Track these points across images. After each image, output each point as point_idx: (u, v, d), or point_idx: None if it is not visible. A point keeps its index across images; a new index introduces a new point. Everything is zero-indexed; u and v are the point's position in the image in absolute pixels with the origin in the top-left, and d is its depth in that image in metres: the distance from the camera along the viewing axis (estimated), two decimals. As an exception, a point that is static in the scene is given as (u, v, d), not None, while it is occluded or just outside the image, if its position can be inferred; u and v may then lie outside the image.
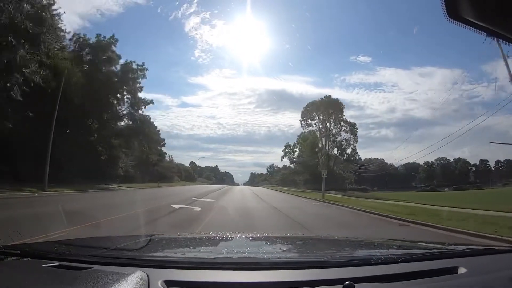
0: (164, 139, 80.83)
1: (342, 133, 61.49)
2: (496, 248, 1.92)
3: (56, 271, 1.29)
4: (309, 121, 63.92)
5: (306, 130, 64.26)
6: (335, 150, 62.23)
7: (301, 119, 64.87)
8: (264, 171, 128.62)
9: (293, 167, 70.34)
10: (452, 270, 1.39)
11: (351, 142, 62.13)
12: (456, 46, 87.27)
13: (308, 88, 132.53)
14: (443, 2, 0.91)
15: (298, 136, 69.52)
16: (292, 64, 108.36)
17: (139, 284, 1.14)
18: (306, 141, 63.05)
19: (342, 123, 62.01)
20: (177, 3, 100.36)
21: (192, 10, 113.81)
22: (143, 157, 53.85)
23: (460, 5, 0.91)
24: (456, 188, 62.40)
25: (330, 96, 62.06)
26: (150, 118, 47.89)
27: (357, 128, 62.94)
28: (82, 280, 1.19)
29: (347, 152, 62.62)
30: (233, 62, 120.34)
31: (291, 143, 71.95)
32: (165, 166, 68.19)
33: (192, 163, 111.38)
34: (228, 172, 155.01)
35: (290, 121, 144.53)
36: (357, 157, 64.89)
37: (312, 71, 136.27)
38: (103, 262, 1.37)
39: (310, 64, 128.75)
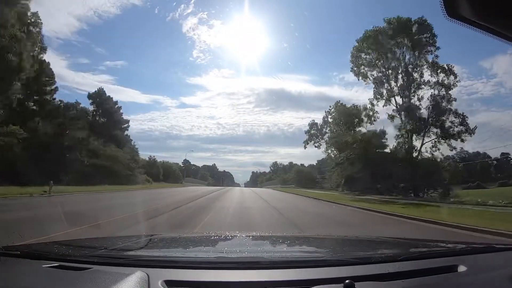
0: (128, 121, 55.13)
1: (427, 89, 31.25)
2: (496, 246, 1.92)
3: (56, 272, 1.29)
4: (365, 68, 34.12)
5: (366, 83, 35.29)
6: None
7: (352, 63, 35.34)
8: (267, 170, 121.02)
9: (329, 154, 41.87)
10: (452, 268, 1.39)
11: (448, 100, 30.86)
12: (454, 42, 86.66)
13: (307, 86, 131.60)
14: (441, 0, 0.91)
15: (326, 112, 42.82)
16: (291, 63, 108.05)
17: (139, 284, 1.14)
18: (344, 112, 36.71)
19: (426, 67, 32.03)
20: (174, 3, 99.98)
21: (189, 10, 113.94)
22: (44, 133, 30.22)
23: (459, 4, 0.90)
24: (501, 183, 48.04)
25: (400, 17, 32.05)
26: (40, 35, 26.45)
27: (456, 76, 31.70)
28: (82, 281, 1.20)
29: (445, 121, 30.20)
30: (231, 62, 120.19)
31: (318, 122, 46.53)
32: (110, 157, 39.58)
33: (186, 161, 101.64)
34: (228, 172, 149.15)
35: (290, 120, 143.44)
36: (467, 131, 30.14)
37: (310, 69, 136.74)
38: (103, 263, 1.37)
39: (308, 62, 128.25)
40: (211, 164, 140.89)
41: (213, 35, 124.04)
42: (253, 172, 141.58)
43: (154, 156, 65.74)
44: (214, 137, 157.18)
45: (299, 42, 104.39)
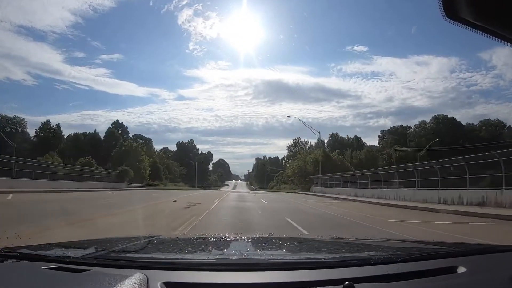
0: None
1: None
2: (496, 247, 1.92)
3: (55, 274, 1.29)
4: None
5: None
6: None
7: None
8: (278, 155, 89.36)
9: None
10: (452, 270, 1.39)
11: None
12: (453, 34, 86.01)
13: (304, 78, 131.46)
14: (440, 1, 0.91)
15: None
16: (287, 54, 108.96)
17: (139, 285, 1.14)
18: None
19: None
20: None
21: (184, 2, 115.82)
22: None
23: (458, 5, 0.90)
24: None
25: None
26: None
27: None
28: (82, 282, 1.20)
29: None
30: (228, 53, 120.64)
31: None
32: None
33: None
34: (222, 159, 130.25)
35: (288, 112, 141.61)
36: None
37: (308, 60, 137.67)
38: (102, 264, 1.37)
39: (306, 53, 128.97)
40: (186, 141, 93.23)
41: (209, 27, 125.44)
42: (257, 159, 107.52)
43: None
44: (212, 130, 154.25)
45: (296, 33, 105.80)
